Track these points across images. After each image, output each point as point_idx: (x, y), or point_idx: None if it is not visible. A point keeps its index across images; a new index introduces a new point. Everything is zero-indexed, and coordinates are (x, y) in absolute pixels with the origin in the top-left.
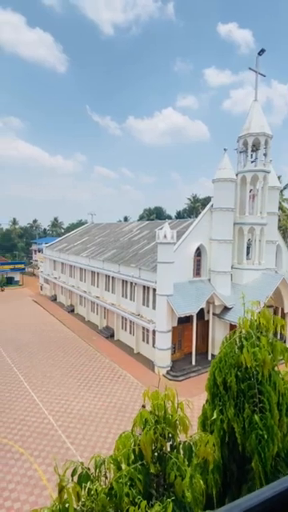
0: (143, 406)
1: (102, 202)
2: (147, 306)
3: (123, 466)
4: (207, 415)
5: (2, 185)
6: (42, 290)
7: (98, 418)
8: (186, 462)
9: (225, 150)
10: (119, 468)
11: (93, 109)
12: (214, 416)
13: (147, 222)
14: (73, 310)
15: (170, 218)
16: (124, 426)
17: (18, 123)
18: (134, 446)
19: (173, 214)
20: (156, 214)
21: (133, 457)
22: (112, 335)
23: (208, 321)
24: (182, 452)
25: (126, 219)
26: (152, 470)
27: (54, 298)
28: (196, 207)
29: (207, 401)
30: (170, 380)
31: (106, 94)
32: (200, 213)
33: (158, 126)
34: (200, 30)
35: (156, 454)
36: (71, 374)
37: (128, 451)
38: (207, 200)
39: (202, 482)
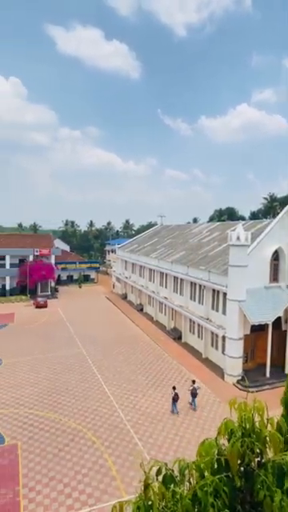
0: (193, 382)
1: (172, 203)
2: (217, 310)
3: (206, 474)
4: (282, 430)
5: (82, 190)
6: (113, 288)
7: (165, 418)
8: (275, 483)
9: None
10: (202, 476)
11: (164, 112)
12: None
13: (218, 223)
14: (142, 309)
15: (243, 218)
16: (191, 430)
17: (96, 132)
18: (219, 455)
19: (246, 215)
20: (228, 215)
21: (216, 466)
22: (179, 337)
23: (286, 331)
24: (270, 471)
25: (195, 221)
26: (237, 484)
27: (124, 297)
28: (273, 207)
29: (283, 415)
30: (241, 390)
31: (177, 97)
32: (278, 213)
33: (232, 123)
34: (279, 20)
35: (242, 468)
36: (140, 372)
37: (212, 460)
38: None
39: None
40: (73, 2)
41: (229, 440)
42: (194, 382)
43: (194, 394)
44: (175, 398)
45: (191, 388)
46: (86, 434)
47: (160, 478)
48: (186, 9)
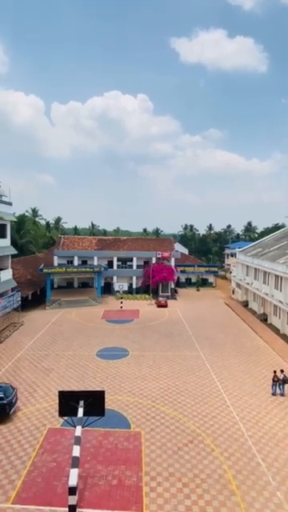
0: (282, 371)
1: None
2: None
3: None
4: None
5: (202, 193)
6: (233, 293)
7: None
8: None
9: None
10: None
11: None
12: None
13: None
14: (265, 319)
15: None
16: None
17: (217, 134)
18: None
19: None
20: None
21: None
22: None
23: None
24: None
25: None
26: None
27: (245, 304)
28: None
29: None
30: None
31: None
32: None
33: None
34: None
35: None
36: (264, 387)
37: None
38: None
39: None
40: (198, 9)
41: None
42: (282, 371)
43: (285, 381)
44: (275, 379)
45: (282, 376)
46: (205, 439)
47: None
48: None
